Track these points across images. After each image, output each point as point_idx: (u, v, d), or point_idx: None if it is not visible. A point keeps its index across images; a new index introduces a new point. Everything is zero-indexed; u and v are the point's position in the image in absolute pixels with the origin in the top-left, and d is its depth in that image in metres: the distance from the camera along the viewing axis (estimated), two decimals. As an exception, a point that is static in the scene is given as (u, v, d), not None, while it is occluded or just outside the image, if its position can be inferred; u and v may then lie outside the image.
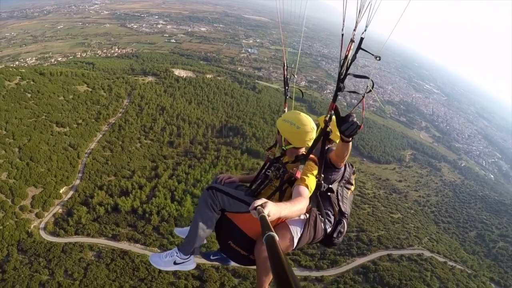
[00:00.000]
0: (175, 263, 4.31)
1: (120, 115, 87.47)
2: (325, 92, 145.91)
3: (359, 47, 3.43)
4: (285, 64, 5.07)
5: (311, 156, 4.25)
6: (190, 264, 4.41)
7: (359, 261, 54.38)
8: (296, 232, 3.98)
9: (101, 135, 78.86)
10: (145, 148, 74.89)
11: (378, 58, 3.34)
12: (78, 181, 64.77)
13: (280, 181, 4.18)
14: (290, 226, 3.97)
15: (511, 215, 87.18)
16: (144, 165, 68.73)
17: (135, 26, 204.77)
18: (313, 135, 4.34)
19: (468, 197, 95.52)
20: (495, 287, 57.10)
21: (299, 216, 3.93)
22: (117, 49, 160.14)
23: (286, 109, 5.10)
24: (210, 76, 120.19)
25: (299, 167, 4.12)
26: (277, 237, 1.86)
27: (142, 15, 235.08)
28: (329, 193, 4.35)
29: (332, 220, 4.39)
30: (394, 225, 65.41)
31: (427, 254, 58.19)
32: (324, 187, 4.23)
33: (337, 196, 4.50)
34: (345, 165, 4.71)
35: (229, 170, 66.74)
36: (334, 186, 4.46)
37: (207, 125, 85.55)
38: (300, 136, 4.25)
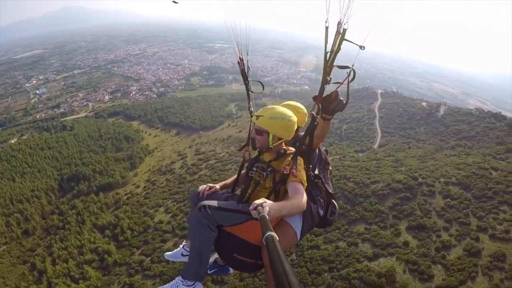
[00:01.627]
0: None
1: None
2: (130, 95, 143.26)
3: (342, 39, 3.42)
4: (241, 58, 4.68)
5: (290, 148, 4.23)
6: None
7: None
8: (297, 225, 4.02)
9: None
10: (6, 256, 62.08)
11: (362, 48, 3.34)
12: None
13: (272, 182, 3.99)
14: (289, 222, 4.00)
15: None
16: (20, 272, 57.09)
17: None
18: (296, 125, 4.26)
19: None
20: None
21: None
22: None
23: (250, 104, 4.77)
24: (14, 141, 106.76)
25: (292, 164, 3.88)
26: (277, 237, 1.89)
27: None
28: (316, 180, 4.39)
29: (323, 203, 4.43)
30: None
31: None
32: (312, 176, 4.30)
33: (321, 179, 4.52)
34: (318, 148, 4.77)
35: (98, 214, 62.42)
36: (317, 171, 4.54)
37: (46, 191, 77.55)
38: (291, 128, 4.09)
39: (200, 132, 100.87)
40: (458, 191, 45.19)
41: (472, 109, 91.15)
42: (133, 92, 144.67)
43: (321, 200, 4.40)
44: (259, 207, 2.78)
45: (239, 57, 4.62)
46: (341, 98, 3.88)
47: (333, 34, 3.38)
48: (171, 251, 4.94)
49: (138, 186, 70.00)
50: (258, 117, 4.01)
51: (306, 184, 3.85)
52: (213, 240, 3.75)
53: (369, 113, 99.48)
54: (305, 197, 3.60)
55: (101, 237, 54.66)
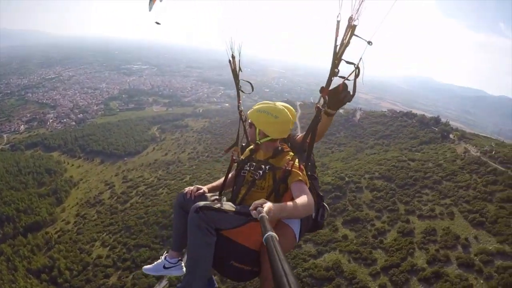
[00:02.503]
0: None
1: None
2: (48, 124, 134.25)
3: (352, 34, 3.35)
4: (233, 56, 4.54)
5: (286, 146, 4.10)
6: None
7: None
8: (295, 226, 3.92)
9: None
10: None
11: (370, 43, 3.27)
12: None
13: (273, 180, 3.76)
14: (288, 223, 3.88)
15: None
16: None
17: None
18: (290, 126, 4.04)
19: (221, 127, 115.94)
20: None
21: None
22: None
23: (240, 103, 4.76)
24: None
25: (296, 160, 3.68)
26: (277, 237, 1.83)
27: None
28: (311, 181, 4.12)
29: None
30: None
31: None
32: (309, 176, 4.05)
33: (317, 180, 4.36)
34: None
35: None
36: (311, 173, 4.30)
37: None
38: (279, 127, 3.89)
39: (125, 159, 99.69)
40: (383, 183, 51.59)
41: (385, 111, 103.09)
42: (50, 120, 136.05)
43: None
44: (259, 208, 2.69)
45: (231, 55, 4.48)
46: (349, 90, 3.76)
47: (343, 29, 3.39)
48: (150, 264, 4.33)
49: (68, 222, 66.91)
50: (250, 110, 3.97)
51: (309, 185, 3.66)
52: (213, 244, 3.41)
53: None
54: (311, 199, 3.39)
55: (38, 283, 50.79)
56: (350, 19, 3.32)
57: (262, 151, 4.04)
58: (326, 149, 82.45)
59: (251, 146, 4.27)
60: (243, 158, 4.18)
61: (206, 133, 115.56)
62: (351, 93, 3.80)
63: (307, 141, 3.95)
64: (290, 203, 3.20)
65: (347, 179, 53.56)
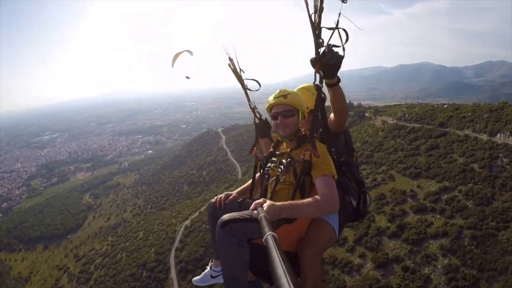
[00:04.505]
0: None
1: None
2: None
3: None
4: (230, 58, 4.39)
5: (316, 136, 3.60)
6: None
7: None
8: (333, 219, 3.67)
9: None
10: None
11: (344, 1, 2.90)
12: None
13: (294, 175, 3.42)
14: (325, 218, 3.61)
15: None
16: None
17: None
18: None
19: (153, 175, 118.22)
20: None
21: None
22: None
23: (250, 103, 4.66)
24: None
25: (312, 148, 3.32)
26: (277, 237, 1.76)
27: None
28: (343, 167, 3.96)
29: (354, 193, 4.03)
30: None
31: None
32: (338, 162, 3.84)
33: (349, 166, 4.10)
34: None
35: None
36: (343, 158, 4.08)
37: None
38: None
39: (69, 236, 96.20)
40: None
41: None
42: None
43: (352, 189, 4.00)
44: (259, 208, 2.61)
45: (229, 58, 4.38)
46: (336, 51, 3.11)
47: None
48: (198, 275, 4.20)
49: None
50: (285, 96, 3.52)
51: (336, 176, 3.31)
52: (247, 257, 3.08)
53: (220, 151, 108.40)
54: (332, 194, 3.07)
55: None
56: None
57: (285, 143, 3.78)
58: None
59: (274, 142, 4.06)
60: (266, 155, 3.93)
61: (141, 185, 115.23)
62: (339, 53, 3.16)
63: (334, 121, 3.82)
64: (295, 202, 3.05)
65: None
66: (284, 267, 1.36)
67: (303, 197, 3.29)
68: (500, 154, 38.60)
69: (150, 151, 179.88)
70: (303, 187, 3.40)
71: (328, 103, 3.70)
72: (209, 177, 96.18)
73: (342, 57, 3.15)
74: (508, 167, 36.60)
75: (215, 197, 3.88)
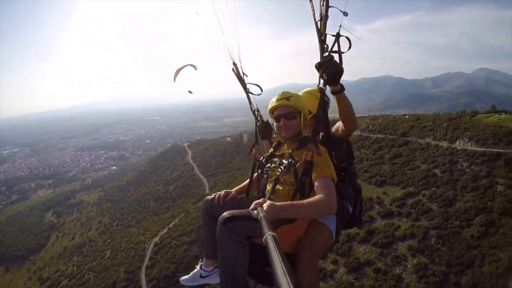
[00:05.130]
0: None
1: None
2: None
3: (327, 5, 3.28)
4: (234, 63, 4.47)
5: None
6: None
7: None
8: (331, 223, 3.71)
9: None
10: None
11: (345, 14, 3.14)
12: None
13: (294, 176, 3.49)
14: (323, 221, 3.65)
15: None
16: None
17: None
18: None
19: (118, 192, 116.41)
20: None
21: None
22: None
23: (252, 106, 4.66)
24: None
25: (312, 148, 3.43)
26: (277, 237, 1.77)
27: None
28: (342, 173, 3.98)
29: (351, 199, 4.08)
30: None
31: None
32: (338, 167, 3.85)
33: (348, 172, 4.11)
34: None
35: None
36: (345, 165, 4.11)
37: None
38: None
39: (31, 258, 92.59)
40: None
41: None
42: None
43: (349, 196, 4.05)
44: (259, 207, 2.62)
45: (233, 62, 4.46)
46: (332, 54, 3.31)
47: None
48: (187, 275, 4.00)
49: None
50: (288, 98, 3.63)
51: (336, 179, 3.41)
52: (247, 255, 3.09)
53: (186, 166, 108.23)
54: (332, 195, 3.15)
55: None
56: None
57: (287, 144, 3.83)
58: (229, 177, 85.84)
59: (274, 144, 4.12)
60: (265, 155, 3.97)
61: (105, 202, 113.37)
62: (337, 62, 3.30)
63: (343, 130, 3.84)
64: (295, 202, 3.07)
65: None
66: (284, 267, 1.36)
67: (302, 198, 3.34)
68: (460, 159, 42.60)
69: (114, 167, 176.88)
70: (303, 188, 3.45)
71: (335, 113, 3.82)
72: (175, 193, 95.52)
73: (338, 64, 3.30)
74: (467, 170, 40.47)
75: (213, 194, 3.88)
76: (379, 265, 33.84)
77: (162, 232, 63.91)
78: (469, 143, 44.77)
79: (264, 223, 2.12)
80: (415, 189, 41.75)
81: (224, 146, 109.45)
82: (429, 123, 55.02)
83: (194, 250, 50.96)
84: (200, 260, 4.09)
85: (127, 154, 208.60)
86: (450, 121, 52.04)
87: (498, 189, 36.39)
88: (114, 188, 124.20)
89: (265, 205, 2.68)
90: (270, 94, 4.19)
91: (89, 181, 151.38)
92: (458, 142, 46.41)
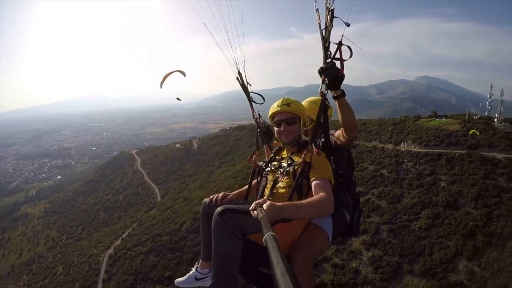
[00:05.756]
0: None
1: None
2: None
3: (332, 16, 3.42)
4: (239, 72, 4.64)
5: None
6: None
7: None
8: (328, 227, 3.70)
9: None
10: None
11: (348, 25, 3.31)
12: None
13: (293, 177, 3.56)
14: (319, 223, 3.68)
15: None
16: None
17: None
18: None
19: (65, 203, 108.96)
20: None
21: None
22: None
23: (254, 113, 4.76)
24: None
25: (310, 148, 3.53)
26: (277, 237, 1.74)
27: None
28: (340, 180, 4.01)
29: (349, 208, 4.08)
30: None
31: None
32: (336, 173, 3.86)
33: (347, 179, 4.15)
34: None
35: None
36: (344, 172, 4.16)
37: None
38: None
39: None
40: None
41: (218, 132, 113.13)
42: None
43: (347, 203, 4.06)
44: (259, 208, 2.58)
45: (238, 72, 4.60)
46: (333, 61, 3.49)
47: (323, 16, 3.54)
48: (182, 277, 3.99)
49: None
50: (289, 104, 3.75)
51: (333, 181, 3.48)
52: (240, 249, 3.08)
53: (136, 174, 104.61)
54: (329, 196, 3.17)
55: None
56: (327, 2, 3.46)
57: (286, 149, 3.94)
58: (181, 184, 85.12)
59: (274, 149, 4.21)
60: (265, 161, 4.06)
61: (52, 214, 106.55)
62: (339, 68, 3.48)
63: (344, 137, 3.88)
64: (294, 202, 3.07)
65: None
66: (284, 267, 1.36)
67: (300, 199, 3.39)
68: (405, 160, 45.96)
69: (59, 176, 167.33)
70: (301, 189, 3.50)
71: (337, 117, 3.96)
72: (126, 202, 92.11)
73: (339, 70, 3.44)
74: (412, 169, 43.95)
75: (211, 196, 3.88)
76: (336, 260, 35.86)
77: (116, 243, 61.49)
78: (413, 145, 48.39)
79: (264, 223, 2.12)
80: (364, 188, 44.25)
81: (173, 153, 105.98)
82: (375, 127, 58.30)
83: (151, 259, 49.55)
84: (197, 262, 4.09)
85: (73, 163, 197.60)
86: (394, 125, 55.62)
87: (441, 185, 40.02)
88: (61, 199, 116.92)
89: (265, 205, 2.63)
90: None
91: (33, 192, 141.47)
92: (402, 144, 49.91)
